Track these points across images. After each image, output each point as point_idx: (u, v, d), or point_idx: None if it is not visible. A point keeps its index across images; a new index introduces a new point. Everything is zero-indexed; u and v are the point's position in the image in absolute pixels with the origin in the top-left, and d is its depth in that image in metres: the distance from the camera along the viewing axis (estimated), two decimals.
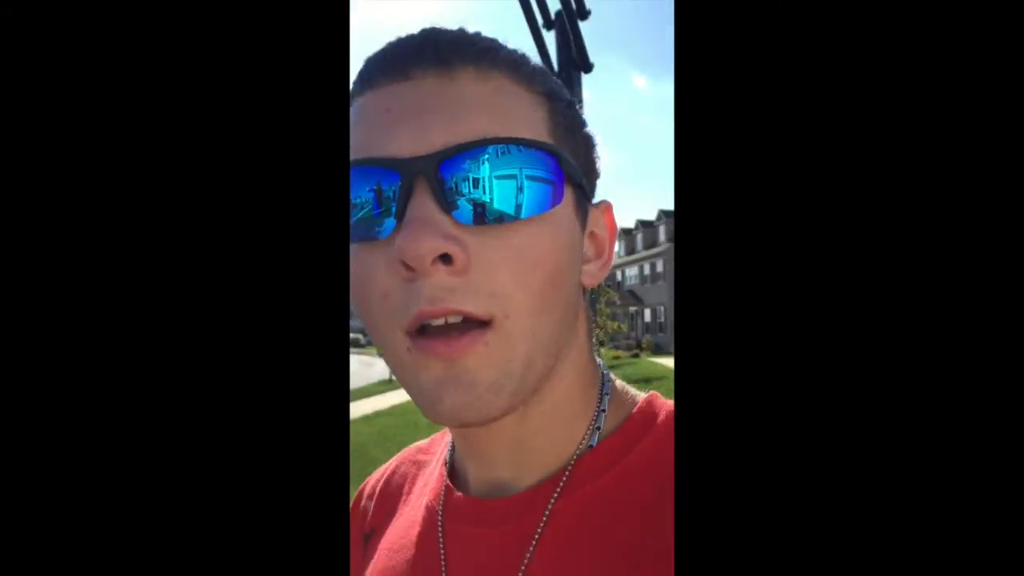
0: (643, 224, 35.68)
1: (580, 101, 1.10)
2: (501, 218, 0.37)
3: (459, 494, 0.48)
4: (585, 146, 0.44)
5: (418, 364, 0.38)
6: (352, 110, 0.41)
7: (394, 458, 0.59)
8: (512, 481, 0.45)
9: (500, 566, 0.42)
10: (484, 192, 0.36)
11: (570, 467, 0.43)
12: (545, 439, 0.44)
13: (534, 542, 0.42)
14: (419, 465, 0.56)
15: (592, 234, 0.45)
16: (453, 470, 0.51)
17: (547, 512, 0.42)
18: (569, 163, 0.40)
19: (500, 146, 0.36)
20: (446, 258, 0.36)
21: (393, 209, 0.37)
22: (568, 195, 0.40)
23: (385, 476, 0.58)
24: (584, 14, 1.11)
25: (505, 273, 0.37)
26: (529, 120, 0.39)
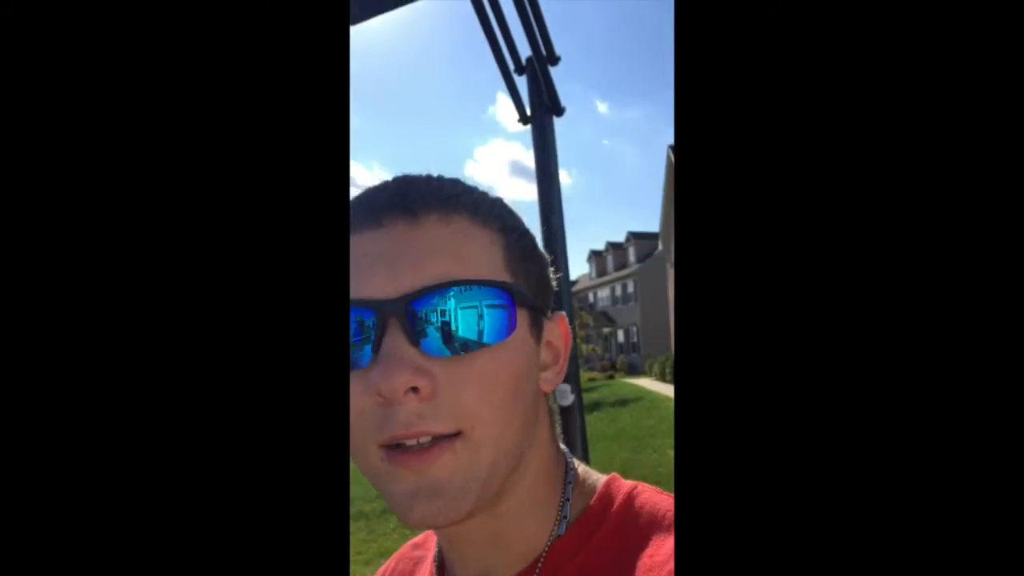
0: (612, 246, 36.06)
1: (553, 143, 1.14)
2: (465, 346, 0.42)
3: None
4: (539, 266, 0.49)
5: (391, 475, 0.42)
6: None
7: (393, 556, 0.64)
8: (493, 571, 0.49)
9: None
10: (450, 323, 0.42)
11: (543, 555, 0.48)
12: (517, 531, 0.48)
13: None
14: (415, 561, 0.60)
15: (548, 343, 0.50)
16: (442, 564, 0.56)
17: None
18: (521, 293, 0.45)
19: (461, 286, 0.42)
20: (416, 388, 0.41)
21: (371, 342, 0.42)
22: (522, 318, 0.45)
23: (388, 571, 0.62)
24: (554, 60, 1.14)
25: (470, 394, 0.42)
26: (486, 257, 0.45)
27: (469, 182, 0.49)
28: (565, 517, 0.49)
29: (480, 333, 0.42)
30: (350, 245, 0.43)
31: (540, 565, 0.47)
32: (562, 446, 0.53)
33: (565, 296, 1.02)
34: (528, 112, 1.15)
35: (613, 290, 35.28)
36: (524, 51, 1.15)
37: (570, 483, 0.50)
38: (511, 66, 1.14)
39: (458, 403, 0.42)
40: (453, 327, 0.42)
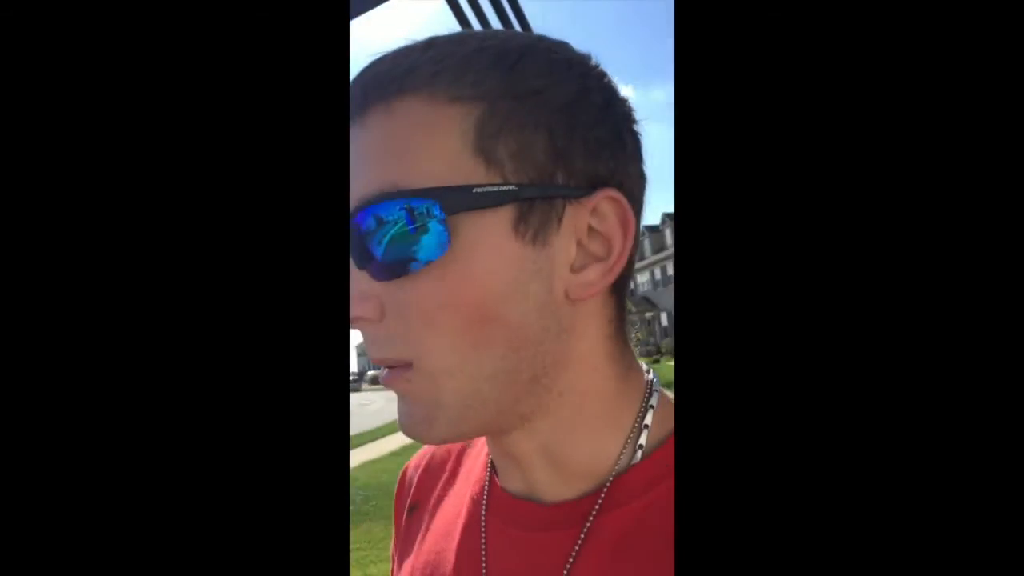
0: (649, 229, 35.66)
1: None
2: (403, 266, 0.36)
3: (501, 489, 0.47)
4: (552, 130, 0.38)
5: None
6: None
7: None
8: (548, 486, 0.43)
9: (538, 571, 0.42)
10: (380, 246, 0.37)
11: (608, 483, 0.42)
12: (569, 449, 0.42)
13: (572, 556, 0.41)
14: (460, 448, 0.55)
15: (587, 233, 0.39)
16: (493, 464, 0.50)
17: (586, 528, 0.41)
18: (464, 194, 0.36)
19: (392, 198, 0.36)
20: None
21: None
22: (494, 220, 0.37)
23: (429, 452, 0.58)
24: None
25: (416, 320, 0.37)
26: (443, 145, 0.37)
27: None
28: (641, 446, 0.42)
29: (413, 250, 0.36)
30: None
31: (604, 492, 0.41)
32: (642, 363, 0.45)
33: None
34: None
35: (652, 274, 34.82)
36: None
37: (651, 407, 0.43)
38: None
39: (404, 330, 0.38)
40: (384, 246, 0.37)
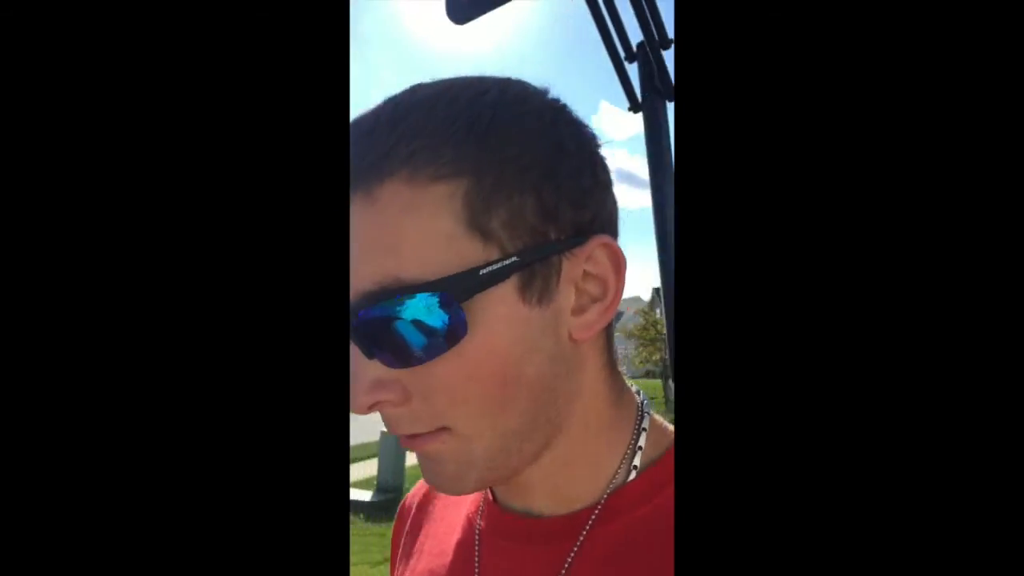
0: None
1: (667, 130, 1.10)
2: (419, 356, 0.36)
3: (497, 507, 0.48)
4: (539, 192, 0.38)
5: None
6: None
7: None
8: (546, 506, 0.45)
9: None
10: (395, 334, 0.36)
11: (604, 499, 0.43)
12: (566, 478, 0.44)
13: (566, 566, 0.42)
14: None
15: (582, 280, 0.40)
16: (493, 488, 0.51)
17: (580, 539, 0.43)
18: (470, 279, 0.36)
19: (395, 293, 0.36)
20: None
21: None
22: (502, 292, 0.37)
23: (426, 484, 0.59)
24: (667, 43, 1.12)
25: (442, 398, 0.38)
26: (435, 228, 0.36)
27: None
28: (635, 466, 0.43)
29: (431, 338, 0.36)
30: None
31: (597, 511, 0.43)
32: (632, 385, 0.47)
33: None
34: (640, 99, 1.12)
35: None
36: (635, 38, 1.12)
37: (644, 430, 0.45)
38: (622, 54, 1.11)
39: (432, 407, 0.38)
40: (399, 338, 0.36)
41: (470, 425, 0.38)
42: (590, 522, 0.42)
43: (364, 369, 0.38)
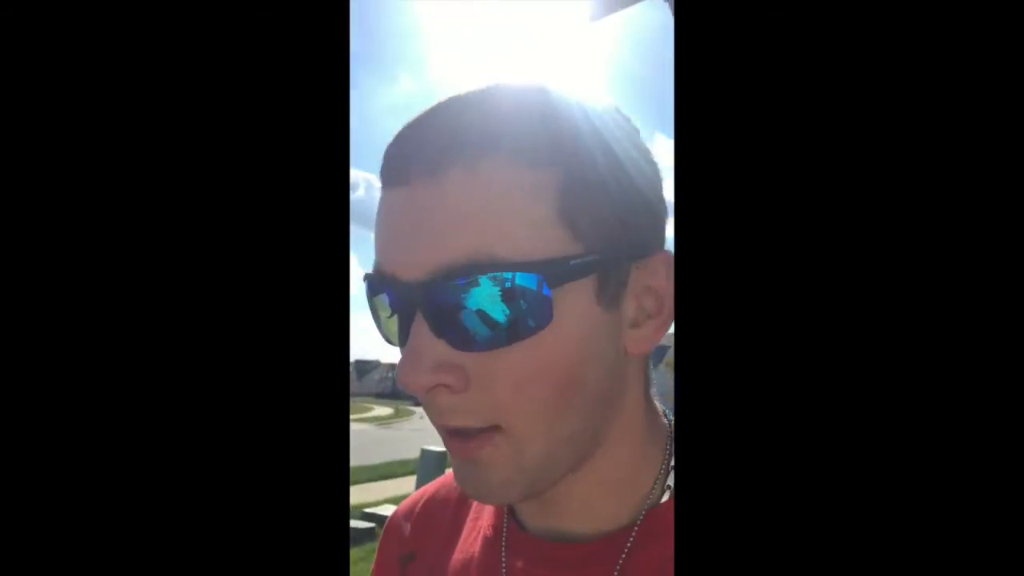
0: None
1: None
2: (494, 340, 0.36)
3: (520, 530, 0.47)
4: (622, 199, 0.39)
5: (448, 450, 0.40)
6: (379, 204, 0.41)
7: (432, 483, 0.59)
8: (579, 526, 0.44)
9: None
10: (475, 314, 0.36)
11: (638, 523, 0.43)
12: (601, 495, 0.43)
13: None
14: (461, 491, 0.54)
15: (643, 293, 0.41)
16: (511, 508, 0.50)
17: (619, 565, 0.42)
18: (563, 267, 0.36)
19: (486, 272, 0.35)
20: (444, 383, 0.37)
21: (400, 327, 0.39)
22: (579, 289, 0.37)
23: (424, 498, 0.57)
24: None
25: (504, 389, 0.37)
26: (528, 213, 0.36)
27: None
28: (669, 486, 0.44)
29: (512, 324, 0.36)
30: (383, 201, 0.39)
31: (635, 532, 0.42)
32: (658, 404, 0.47)
33: None
34: None
35: None
36: None
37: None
38: None
39: (492, 399, 0.37)
40: (479, 319, 0.36)
41: (526, 426, 0.38)
42: (627, 546, 0.42)
43: (429, 347, 0.37)
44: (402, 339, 0.38)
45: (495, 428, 0.38)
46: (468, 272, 0.35)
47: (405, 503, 0.59)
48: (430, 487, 0.58)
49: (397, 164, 0.38)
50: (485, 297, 0.35)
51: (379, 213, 0.40)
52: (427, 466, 6.81)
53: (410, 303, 0.37)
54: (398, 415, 34.54)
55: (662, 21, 24.67)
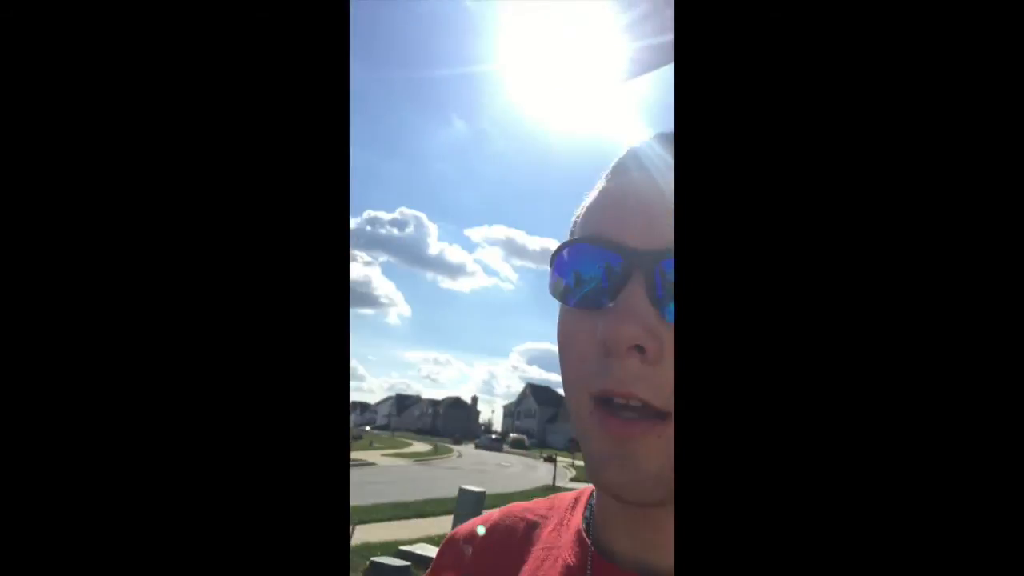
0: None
1: None
2: None
3: (609, 562, 0.46)
4: None
5: (593, 432, 0.40)
6: (599, 193, 0.45)
7: (495, 511, 0.58)
8: (665, 563, 0.43)
9: None
10: None
11: None
12: None
13: None
14: (527, 523, 0.55)
15: None
16: (589, 536, 0.49)
17: None
18: None
19: None
20: (641, 347, 0.38)
21: (610, 288, 0.40)
22: None
23: (489, 524, 0.56)
24: None
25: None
26: None
27: None
28: None
29: None
30: (613, 187, 0.44)
31: None
32: None
33: None
34: None
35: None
36: None
37: None
38: None
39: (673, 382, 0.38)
40: None
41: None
42: None
43: (643, 309, 0.38)
44: (609, 297, 0.40)
45: (665, 418, 0.39)
46: None
47: (465, 526, 0.58)
48: (493, 514, 0.58)
49: (637, 156, 0.44)
50: None
51: (607, 195, 0.44)
52: (465, 505, 6.74)
53: (631, 267, 0.39)
54: (436, 452, 34.38)
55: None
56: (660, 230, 0.40)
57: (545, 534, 0.53)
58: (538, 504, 0.57)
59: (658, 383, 0.39)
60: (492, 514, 0.58)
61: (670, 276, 0.38)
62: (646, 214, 0.41)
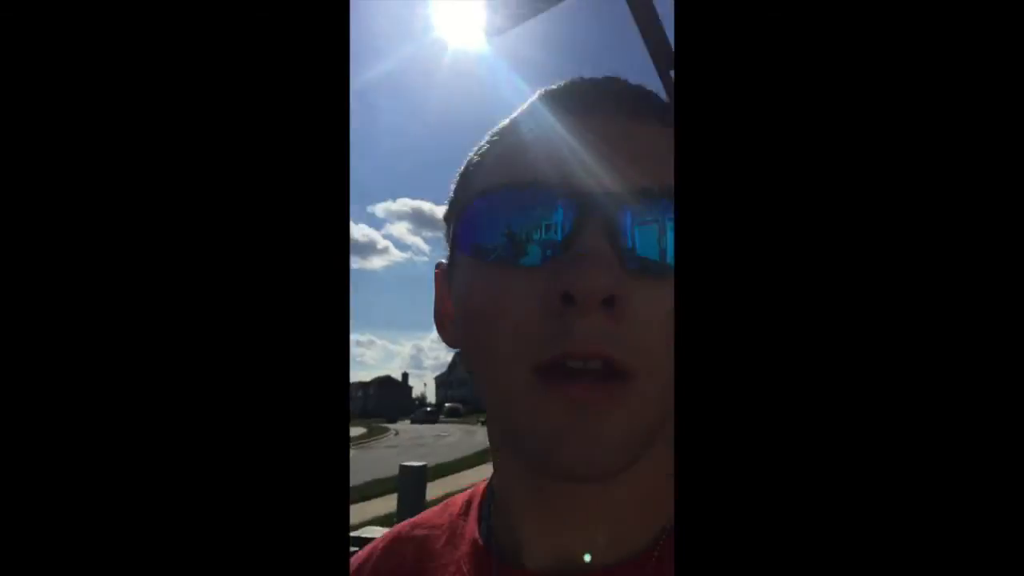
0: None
1: None
2: (665, 271, 0.37)
3: (517, 570, 0.43)
4: None
5: (540, 407, 0.36)
6: (520, 132, 0.42)
7: (381, 536, 0.55)
8: (581, 550, 0.41)
9: None
10: (658, 243, 0.37)
11: (657, 550, 0.40)
12: (634, 513, 0.42)
13: None
14: (416, 542, 0.51)
15: None
16: (489, 543, 0.46)
17: None
18: None
19: (667, 200, 0.37)
20: (609, 301, 0.35)
21: (557, 239, 0.37)
22: None
23: (377, 552, 0.52)
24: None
25: (657, 329, 0.36)
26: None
27: None
28: None
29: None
30: (550, 127, 0.40)
31: (657, 554, 0.40)
32: None
33: None
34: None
35: None
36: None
37: None
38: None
39: (644, 336, 0.36)
40: (656, 243, 0.37)
41: (659, 380, 0.36)
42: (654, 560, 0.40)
43: (611, 260, 0.36)
44: (561, 249, 0.36)
45: (626, 380, 0.36)
46: (660, 195, 0.37)
47: (355, 560, 0.54)
48: (378, 542, 0.55)
49: (584, 99, 0.41)
50: (668, 224, 0.37)
51: (542, 135, 0.40)
52: (407, 481, 6.73)
53: (587, 213, 0.36)
54: (372, 434, 34.06)
55: (556, 37, 22.96)
56: (622, 174, 0.37)
57: (439, 548, 0.49)
58: (428, 515, 0.54)
59: (624, 339, 0.36)
60: (376, 543, 0.54)
61: (637, 222, 0.36)
62: (597, 155, 0.38)
